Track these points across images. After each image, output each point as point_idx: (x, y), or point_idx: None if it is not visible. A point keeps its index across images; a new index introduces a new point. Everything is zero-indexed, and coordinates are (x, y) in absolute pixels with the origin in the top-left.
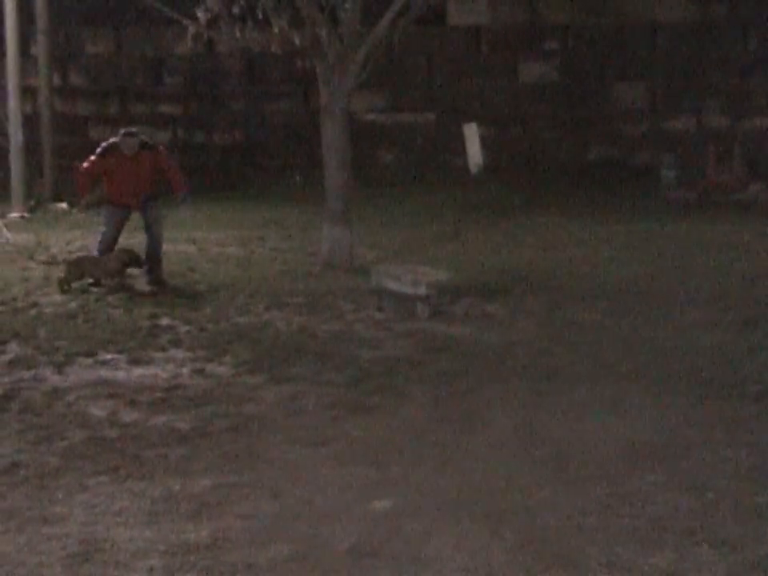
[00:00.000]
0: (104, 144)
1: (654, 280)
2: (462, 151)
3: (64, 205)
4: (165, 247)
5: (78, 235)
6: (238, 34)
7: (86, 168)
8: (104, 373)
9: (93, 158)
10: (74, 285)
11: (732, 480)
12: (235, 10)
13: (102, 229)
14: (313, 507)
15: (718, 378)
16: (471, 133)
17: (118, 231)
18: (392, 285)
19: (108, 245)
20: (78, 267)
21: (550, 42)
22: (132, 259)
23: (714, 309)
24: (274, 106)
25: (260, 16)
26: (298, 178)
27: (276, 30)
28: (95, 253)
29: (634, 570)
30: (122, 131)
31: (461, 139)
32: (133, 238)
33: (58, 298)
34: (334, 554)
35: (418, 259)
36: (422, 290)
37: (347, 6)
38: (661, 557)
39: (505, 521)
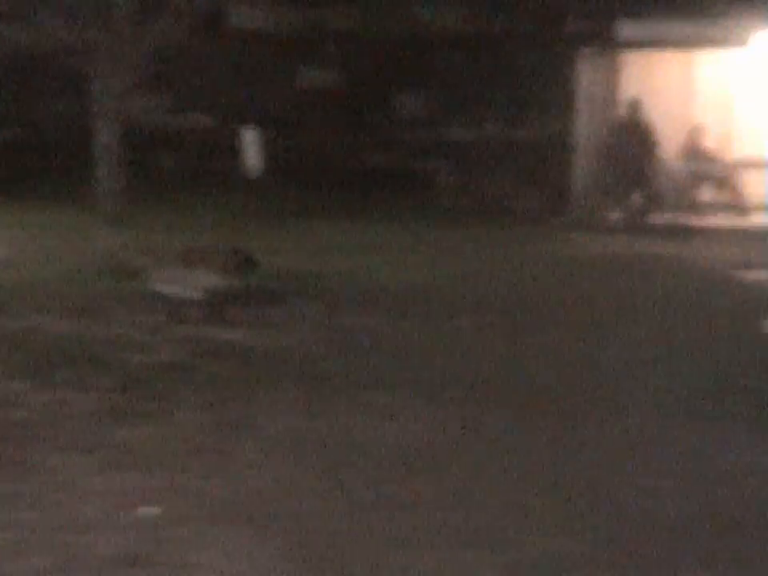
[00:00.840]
0: None
1: (429, 285)
2: (240, 156)
3: None
4: None
5: None
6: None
7: None
8: None
9: None
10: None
11: (498, 483)
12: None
13: None
14: (76, 516)
15: (486, 383)
16: (250, 137)
17: None
18: (166, 289)
19: None
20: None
21: (330, 48)
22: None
23: (484, 313)
24: (47, 106)
25: (30, 13)
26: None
27: (46, 28)
28: None
29: (398, 571)
30: None
31: (240, 144)
32: None
33: None
34: (97, 564)
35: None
36: (196, 294)
37: (120, 4)
38: (429, 559)
39: (273, 527)
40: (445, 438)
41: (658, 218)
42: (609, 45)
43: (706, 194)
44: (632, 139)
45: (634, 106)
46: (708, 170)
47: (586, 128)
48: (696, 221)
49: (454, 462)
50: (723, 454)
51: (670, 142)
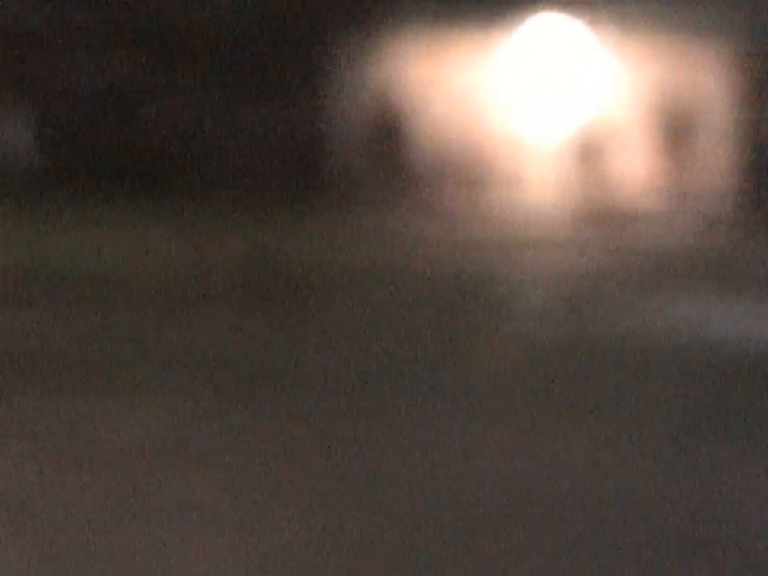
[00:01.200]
0: None
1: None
2: (7, 146)
3: None
4: None
5: None
6: None
7: None
8: None
9: None
10: None
11: (253, 475)
12: None
13: None
14: None
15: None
16: (18, 127)
17: None
18: None
19: None
20: None
21: (100, 38)
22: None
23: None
24: None
25: None
26: None
27: None
28: None
29: (147, 567)
30: None
31: (9, 134)
32: None
33: None
34: None
35: None
36: None
37: None
38: (176, 552)
39: (24, 526)
40: (202, 433)
41: (417, 194)
42: (372, 24)
43: (467, 175)
44: (387, 120)
45: (393, 88)
46: (461, 153)
47: (345, 111)
48: (454, 201)
49: (208, 456)
50: (499, 450)
51: (437, 123)
